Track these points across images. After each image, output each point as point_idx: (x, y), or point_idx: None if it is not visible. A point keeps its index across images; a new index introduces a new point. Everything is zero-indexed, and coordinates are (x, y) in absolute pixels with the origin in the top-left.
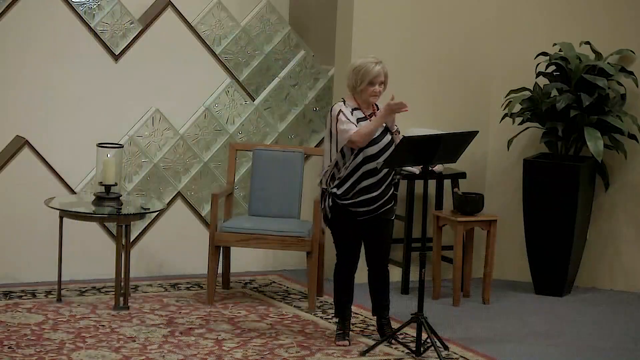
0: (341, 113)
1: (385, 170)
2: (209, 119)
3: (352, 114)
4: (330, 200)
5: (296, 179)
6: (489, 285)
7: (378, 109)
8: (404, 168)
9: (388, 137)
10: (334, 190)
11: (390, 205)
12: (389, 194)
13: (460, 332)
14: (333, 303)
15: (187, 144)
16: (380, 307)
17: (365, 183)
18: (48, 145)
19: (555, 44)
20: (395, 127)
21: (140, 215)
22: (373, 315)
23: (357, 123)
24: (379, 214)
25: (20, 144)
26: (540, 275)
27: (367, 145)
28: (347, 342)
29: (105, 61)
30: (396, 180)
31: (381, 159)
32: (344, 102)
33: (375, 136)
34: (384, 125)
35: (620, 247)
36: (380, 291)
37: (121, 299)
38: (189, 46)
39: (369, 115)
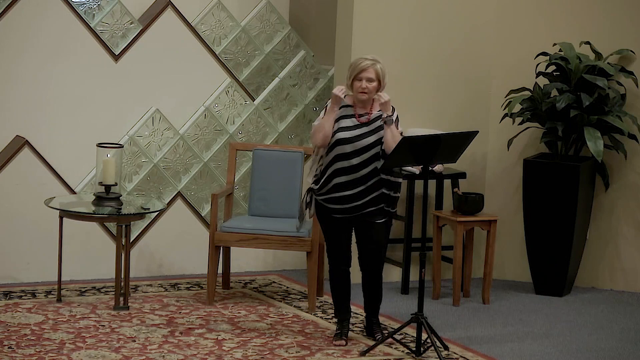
0: (325, 108)
1: (367, 170)
2: (209, 119)
3: (337, 109)
4: (308, 196)
5: (296, 179)
6: (489, 285)
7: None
8: (404, 168)
9: (370, 139)
10: (312, 185)
11: (374, 208)
12: (371, 196)
13: (460, 332)
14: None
15: (187, 144)
16: (368, 308)
17: (338, 180)
18: (48, 145)
19: (555, 44)
20: (387, 115)
21: (140, 215)
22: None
23: (339, 120)
24: (361, 215)
25: (20, 144)
26: (540, 275)
27: (340, 143)
28: (343, 342)
29: (105, 61)
30: (398, 181)
31: (354, 160)
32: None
33: (349, 136)
34: (369, 127)
35: (620, 247)
36: (369, 293)
37: (121, 299)
38: (189, 46)
39: (359, 116)
